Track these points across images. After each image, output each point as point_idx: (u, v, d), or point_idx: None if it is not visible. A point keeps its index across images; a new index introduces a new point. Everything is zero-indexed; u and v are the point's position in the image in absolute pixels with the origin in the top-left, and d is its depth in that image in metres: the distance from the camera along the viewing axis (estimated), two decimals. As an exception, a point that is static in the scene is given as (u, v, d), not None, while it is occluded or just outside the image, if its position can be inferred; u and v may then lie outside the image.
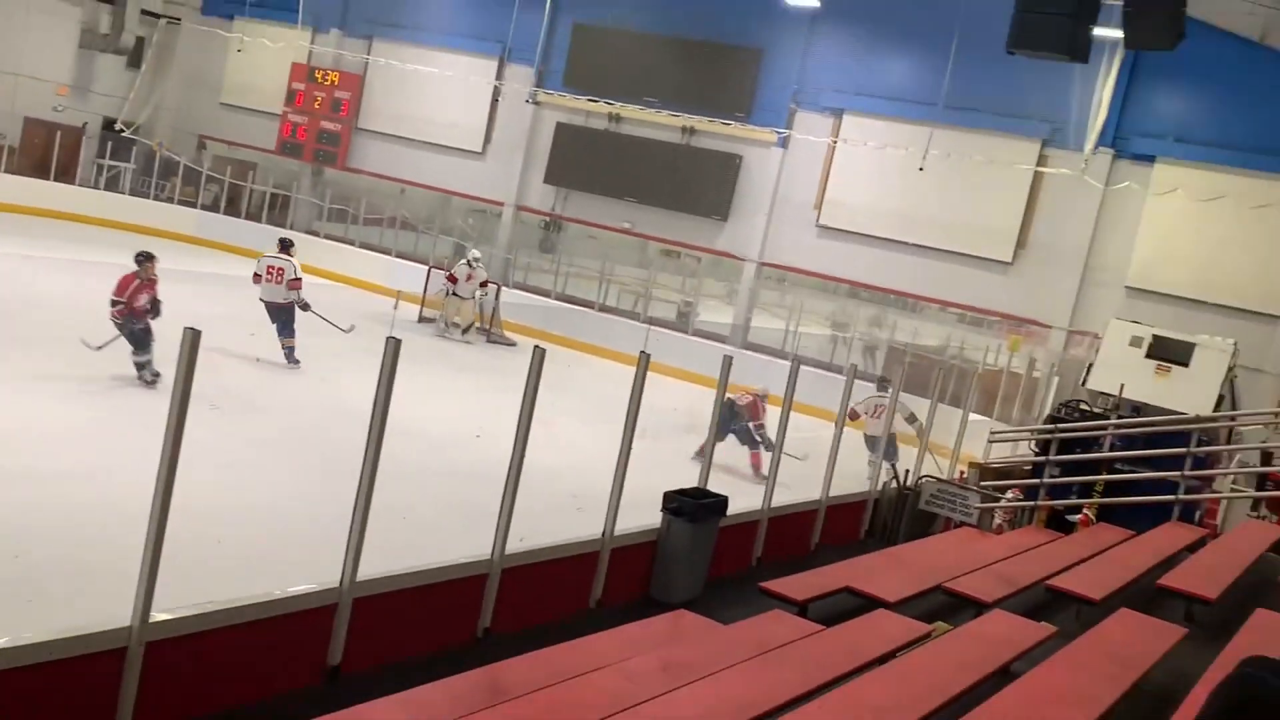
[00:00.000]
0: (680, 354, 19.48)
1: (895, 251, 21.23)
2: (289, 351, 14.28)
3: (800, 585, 7.67)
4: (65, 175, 25.77)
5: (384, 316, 17.32)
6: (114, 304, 12.03)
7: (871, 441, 12.79)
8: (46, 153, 25.63)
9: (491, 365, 18.44)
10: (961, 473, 12.52)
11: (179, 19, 29.39)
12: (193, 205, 26.67)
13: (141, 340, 11.95)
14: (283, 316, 14.41)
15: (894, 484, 11.49)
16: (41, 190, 24.58)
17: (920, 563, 8.85)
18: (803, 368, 9.89)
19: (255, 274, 14.72)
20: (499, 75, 25.44)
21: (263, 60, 27.98)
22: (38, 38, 26.90)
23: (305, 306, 14.65)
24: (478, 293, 20.41)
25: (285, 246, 15.11)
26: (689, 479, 8.74)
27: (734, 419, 13.00)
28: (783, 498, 9.72)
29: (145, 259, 12.30)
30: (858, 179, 21.66)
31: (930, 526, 11.66)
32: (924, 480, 11.58)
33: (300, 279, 14.67)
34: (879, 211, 21.42)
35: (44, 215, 24.17)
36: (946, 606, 7.83)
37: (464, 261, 20.49)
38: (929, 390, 12.47)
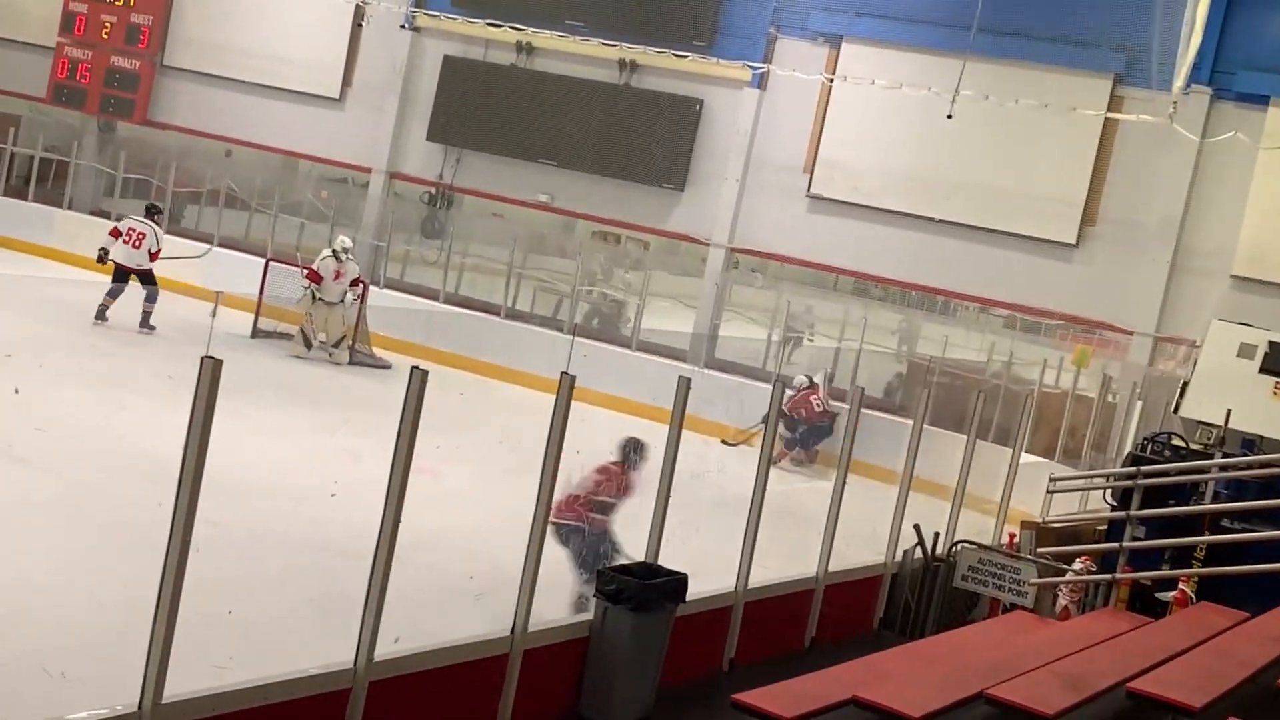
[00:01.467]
0: (619, 375, 19.44)
1: (916, 231, 21.42)
2: (145, 317, 18.98)
3: (789, 696, 7.68)
4: None
5: (199, 329, 17.13)
6: (598, 509, 10.32)
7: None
8: None
9: (355, 395, 18.27)
10: (1012, 536, 12.63)
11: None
12: (-73, 177, 26.27)
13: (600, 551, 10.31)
14: (135, 281, 18.99)
15: (919, 552, 11.57)
16: None
17: (956, 661, 8.91)
18: (789, 392, 9.93)
19: (115, 229, 19.35)
20: (362, -10, 25.39)
21: (26, -30, 27.68)
22: None
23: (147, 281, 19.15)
24: (348, 295, 20.33)
25: (151, 212, 19.97)
26: (631, 549, 8.73)
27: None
28: (764, 573, 9.74)
29: (636, 451, 10.45)
30: (863, 132, 21.84)
31: (970, 611, 11.74)
32: (960, 547, 11.66)
33: (159, 251, 19.36)
34: (892, 176, 21.62)
35: None
36: (992, 721, 7.89)
37: (328, 254, 20.36)
38: (965, 421, 12.57)
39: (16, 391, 12.83)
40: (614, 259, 25.76)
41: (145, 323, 19.09)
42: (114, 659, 6.88)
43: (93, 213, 26.20)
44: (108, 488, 11.18)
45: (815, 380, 18.65)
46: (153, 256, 19.39)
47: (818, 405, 18.16)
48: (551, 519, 9.94)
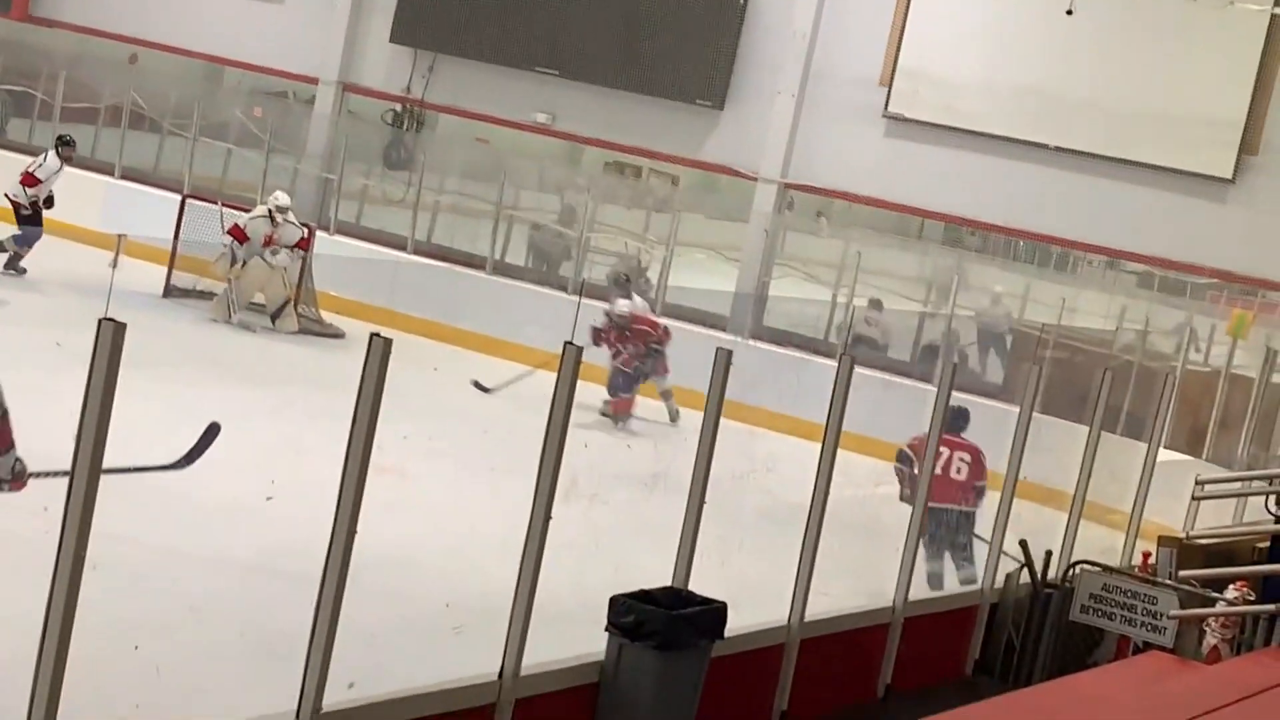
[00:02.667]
0: (639, 348, 19.47)
1: (1026, 162, 21.35)
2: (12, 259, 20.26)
3: (858, 760, 7.69)
4: None
5: (96, 284, 17.16)
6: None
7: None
8: None
9: (298, 370, 18.32)
10: (1146, 556, 12.59)
11: None
12: None
13: None
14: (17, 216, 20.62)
15: (1025, 576, 11.55)
16: None
17: (1073, 716, 8.89)
18: (860, 372, 9.91)
19: None
20: None
21: None
22: None
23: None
24: (286, 259, 20.40)
25: (58, 143, 21.43)
26: (655, 571, 8.74)
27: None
28: (826, 603, 9.74)
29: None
30: (958, 33, 21.73)
31: (1091, 652, 11.72)
32: (1079, 570, 11.64)
33: (35, 178, 20.64)
34: (996, 91, 21.52)
35: None
36: (1119, 794, 7.88)
37: (262, 213, 20.38)
38: (1086, 408, 12.53)
39: None
40: (633, 197, 25.70)
41: (12, 264, 20.37)
42: None
43: (-41, 137, 26.34)
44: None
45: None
46: (24, 180, 20.77)
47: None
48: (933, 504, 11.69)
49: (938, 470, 11.78)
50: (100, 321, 5.58)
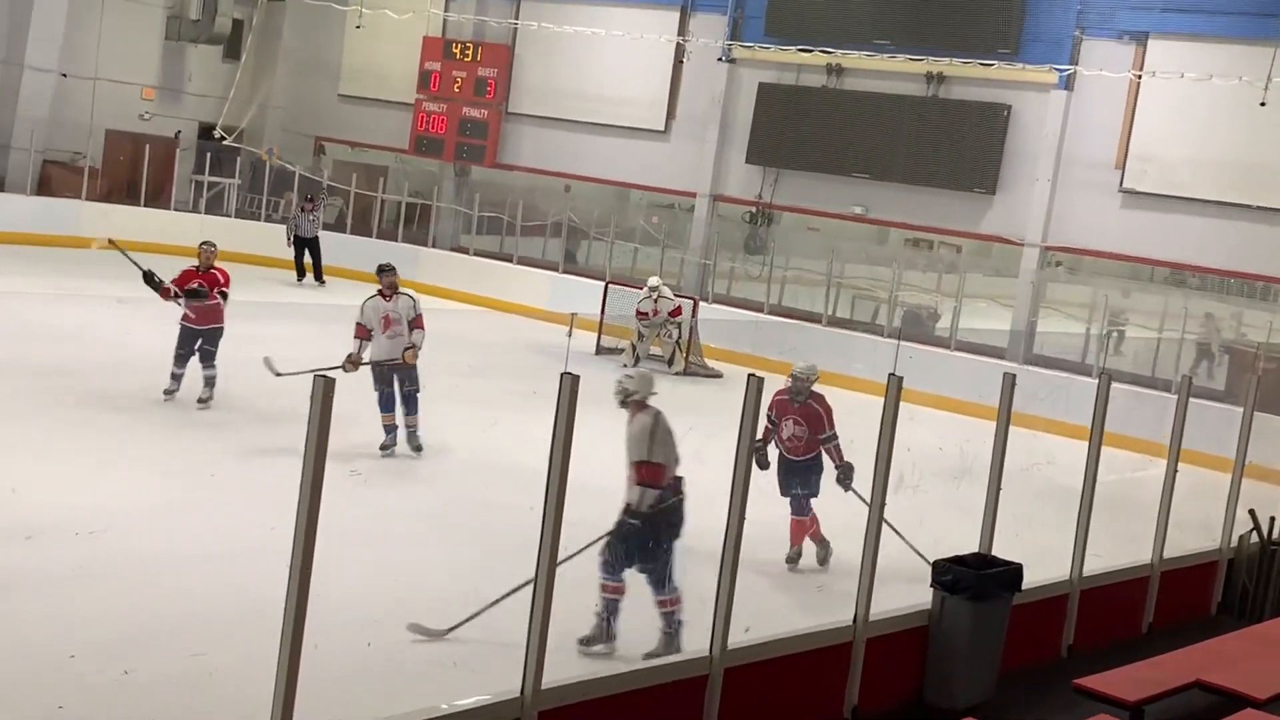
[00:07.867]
0: (940, 375, 19.13)
1: (1234, 220, 20.42)
2: None
3: (1131, 681, 7.42)
4: (158, 198, 27.42)
5: (552, 349, 17.73)
6: None
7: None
8: (134, 171, 27.34)
9: (690, 402, 18.50)
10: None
11: (283, -6, 30.93)
12: (312, 224, 27.86)
13: None
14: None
15: (1255, 537, 10.98)
16: (131, 218, 26.05)
17: (1301, 646, 8.41)
18: (1116, 385, 9.59)
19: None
20: (682, 29, 25.75)
21: (388, 37, 29.13)
22: (114, 32, 28.45)
23: None
24: (670, 326, 20.77)
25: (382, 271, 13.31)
26: (965, 541, 8.60)
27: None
28: (1098, 562, 9.44)
29: None
30: (1173, 125, 20.95)
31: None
32: (1298, 531, 11.03)
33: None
34: (1206, 166, 20.64)
35: (135, 248, 25.62)
36: (1344, 705, 7.41)
37: (645, 294, 20.75)
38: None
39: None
40: (928, 263, 25.40)
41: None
42: (496, 651, 7.18)
43: (453, 249, 27.49)
44: (485, 495, 11.67)
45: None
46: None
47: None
48: None
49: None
50: (562, 375, 5.77)
